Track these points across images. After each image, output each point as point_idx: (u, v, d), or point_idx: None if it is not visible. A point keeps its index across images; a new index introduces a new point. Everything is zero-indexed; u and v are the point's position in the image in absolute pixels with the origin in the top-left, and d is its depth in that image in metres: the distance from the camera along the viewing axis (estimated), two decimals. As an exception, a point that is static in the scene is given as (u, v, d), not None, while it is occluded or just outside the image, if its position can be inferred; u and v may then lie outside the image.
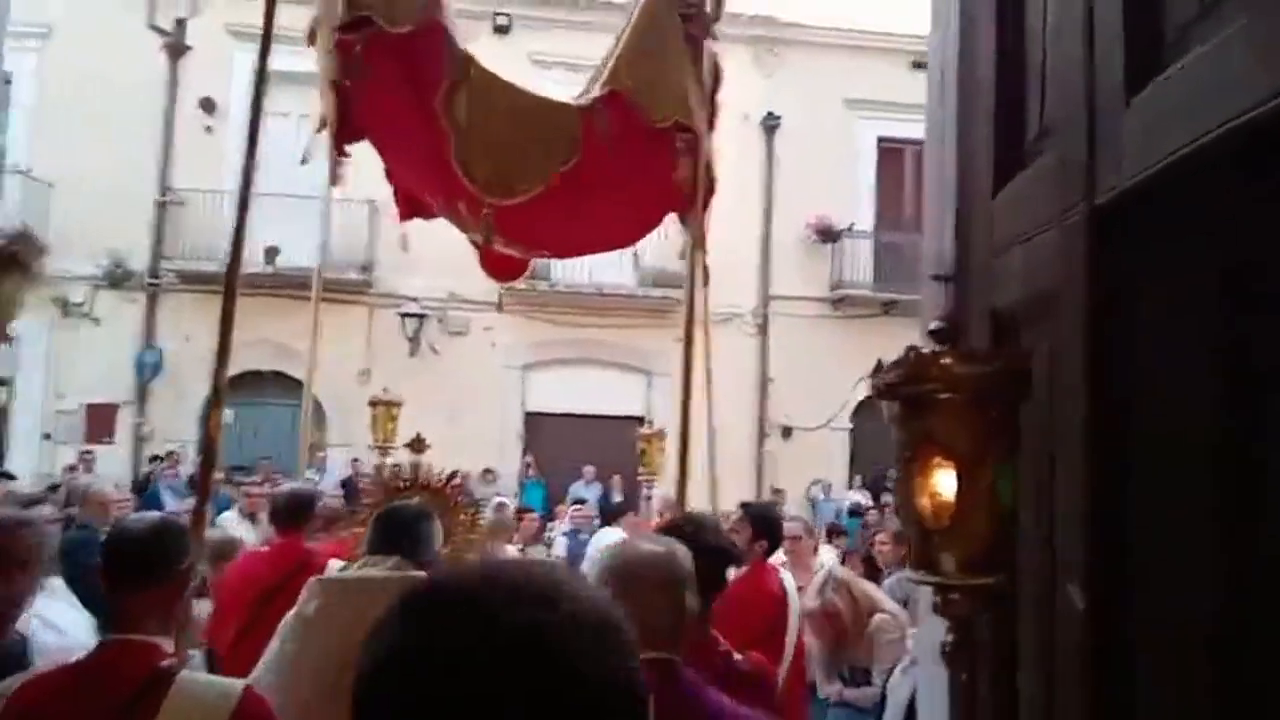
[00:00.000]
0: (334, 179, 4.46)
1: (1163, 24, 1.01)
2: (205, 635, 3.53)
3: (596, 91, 3.84)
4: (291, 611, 2.39)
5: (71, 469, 10.82)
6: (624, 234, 5.03)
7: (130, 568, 1.85)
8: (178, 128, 13.40)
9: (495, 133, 3.66)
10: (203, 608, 3.43)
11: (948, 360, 1.35)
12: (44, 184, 12.54)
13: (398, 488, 3.54)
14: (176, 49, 13.46)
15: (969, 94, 1.75)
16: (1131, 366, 1.08)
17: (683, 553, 1.73)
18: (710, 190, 4.20)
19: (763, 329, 14.19)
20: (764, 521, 3.84)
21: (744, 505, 4.21)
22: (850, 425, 13.85)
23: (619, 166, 3.89)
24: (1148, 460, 1.05)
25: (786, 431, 13.94)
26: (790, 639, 3.30)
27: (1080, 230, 1.13)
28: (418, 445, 3.73)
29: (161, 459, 12.04)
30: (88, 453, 11.94)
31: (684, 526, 2.25)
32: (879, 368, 1.44)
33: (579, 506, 10.54)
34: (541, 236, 4.69)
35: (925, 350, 1.39)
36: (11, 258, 1.70)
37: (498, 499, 10.87)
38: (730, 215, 12.82)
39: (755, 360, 14.06)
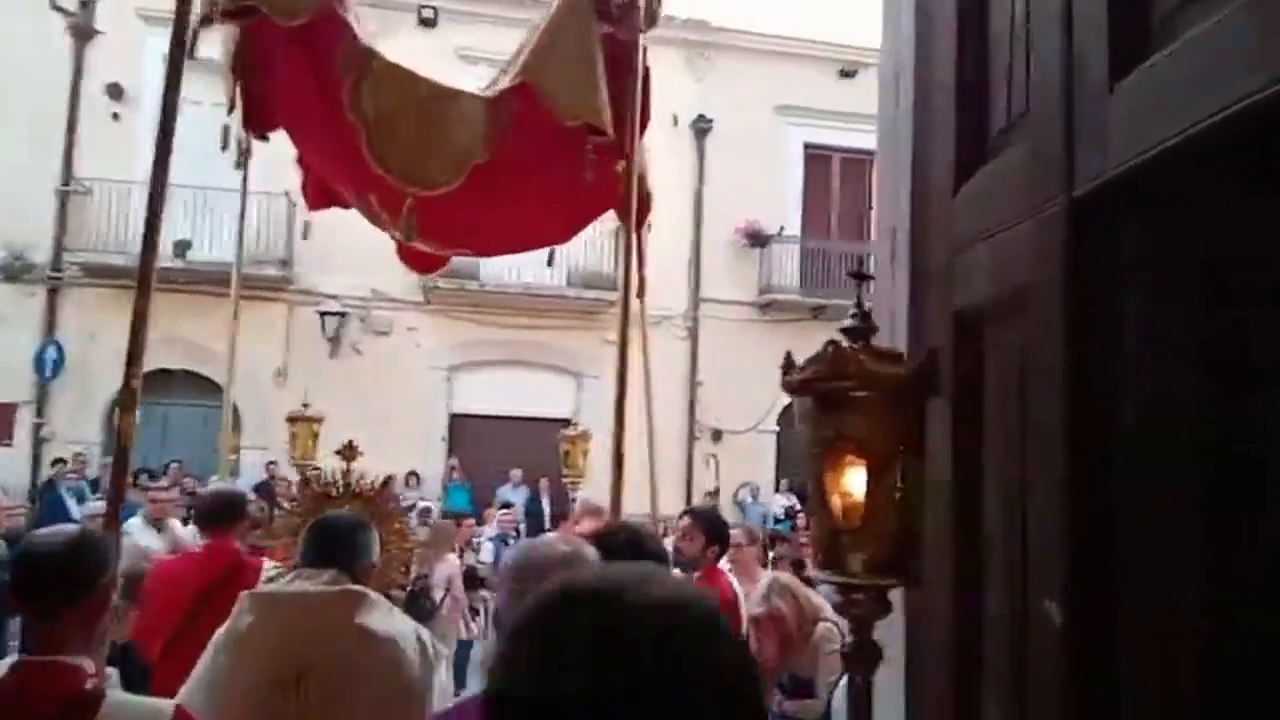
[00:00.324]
0: (240, 164, 4.26)
1: (1149, 7, 0.99)
2: (133, 636, 3.40)
3: (506, 83, 3.76)
4: (224, 626, 2.32)
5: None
6: (548, 233, 4.91)
7: (49, 588, 1.75)
8: (83, 114, 12.77)
9: (407, 125, 3.58)
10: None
11: (864, 358, 1.36)
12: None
13: (329, 496, 3.44)
14: (83, 32, 12.82)
15: (925, 93, 1.73)
16: (1111, 361, 1.05)
17: (590, 553, 1.71)
18: (645, 204, 4.14)
19: (693, 332, 14.25)
20: (714, 527, 3.85)
21: (691, 511, 4.20)
22: (777, 428, 14.00)
23: (531, 161, 3.82)
24: (1130, 456, 1.02)
25: (716, 435, 14.03)
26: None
27: (1059, 222, 1.11)
28: (349, 452, 3.62)
29: (64, 461, 11.40)
30: (-19, 455, 11.28)
31: (617, 534, 2.19)
32: (790, 364, 1.45)
33: (506, 511, 10.39)
34: (461, 233, 4.60)
35: (844, 346, 1.39)
36: None
37: (421, 504, 10.63)
38: (661, 217, 12.83)
39: (685, 363, 14.12)
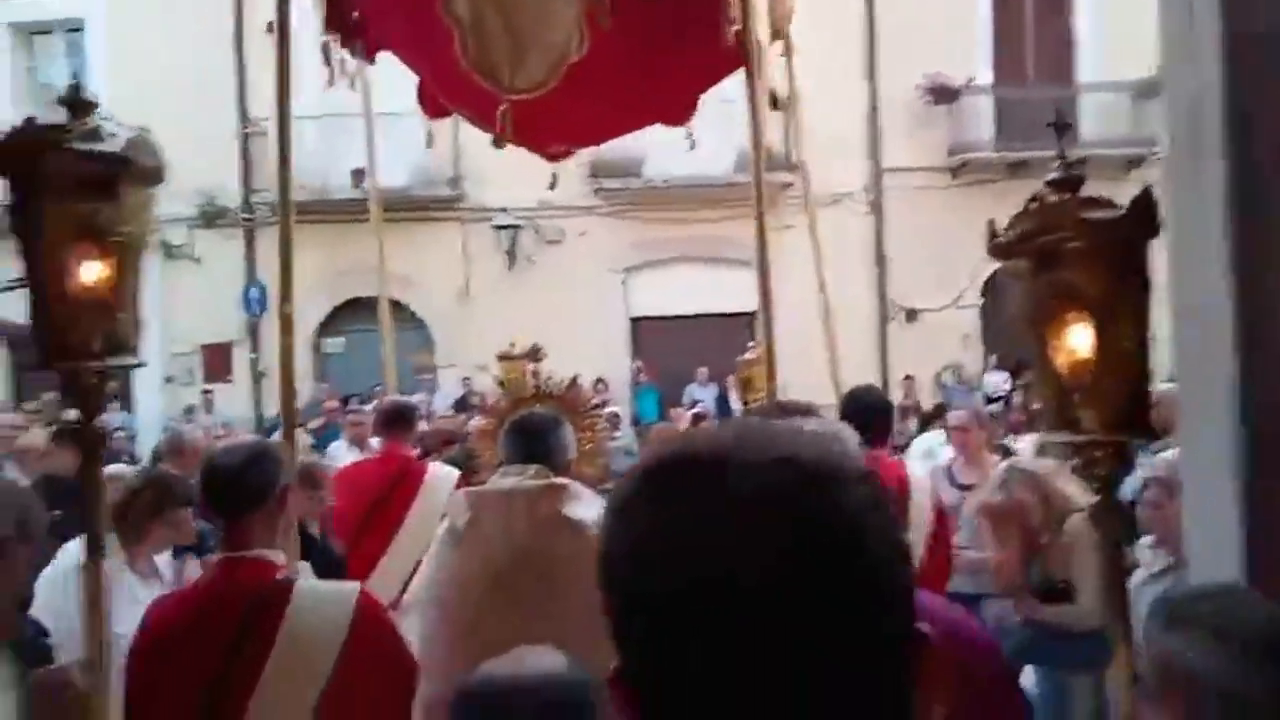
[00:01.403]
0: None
1: None
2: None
3: None
4: (443, 526, 2.57)
5: (190, 410, 11.25)
6: (660, 111, 4.65)
7: (230, 495, 1.98)
8: (249, 55, 13.35)
9: (500, 26, 3.54)
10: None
11: (1076, 207, 1.36)
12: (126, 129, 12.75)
13: (525, 397, 3.67)
14: (237, -28, 13.31)
15: None
16: None
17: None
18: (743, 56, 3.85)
19: (876, 206, 13.46)
20: (856, 407, 3.39)
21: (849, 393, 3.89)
22: (980, 301, 13.14)
23: (633, 43, 3.69)
24: None
25: (910, 314, 13.34)
26: (914, 540, 2.96)
27: None
28: (535, 354, 3.77)
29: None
30: (208, 392, 12.43)
31: (768, 412, 2.05)
32: (994, 231, 1.46)
33: (696, 408, 10.42)
34: (560, 130, 4.51)
35: (1051, 199, 1.38)
36: (127, 163, 1.68)
37: (609, 409, 10.81)
38: (831, 86, 12.12)
39: (870, 240, 13.41)
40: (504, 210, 13.05)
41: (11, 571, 1.55)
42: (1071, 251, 1.33)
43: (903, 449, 9.23)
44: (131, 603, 2.63)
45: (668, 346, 13.20)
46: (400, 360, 14.28)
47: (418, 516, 3.72)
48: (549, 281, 13.14)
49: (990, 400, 11.56)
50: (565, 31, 3.54)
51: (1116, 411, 1.32)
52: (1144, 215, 1.33)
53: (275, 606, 1.89)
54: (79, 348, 1.67)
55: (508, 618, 2.30)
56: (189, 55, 12.80)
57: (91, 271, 1.66)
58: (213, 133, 12.97)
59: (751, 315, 13.76)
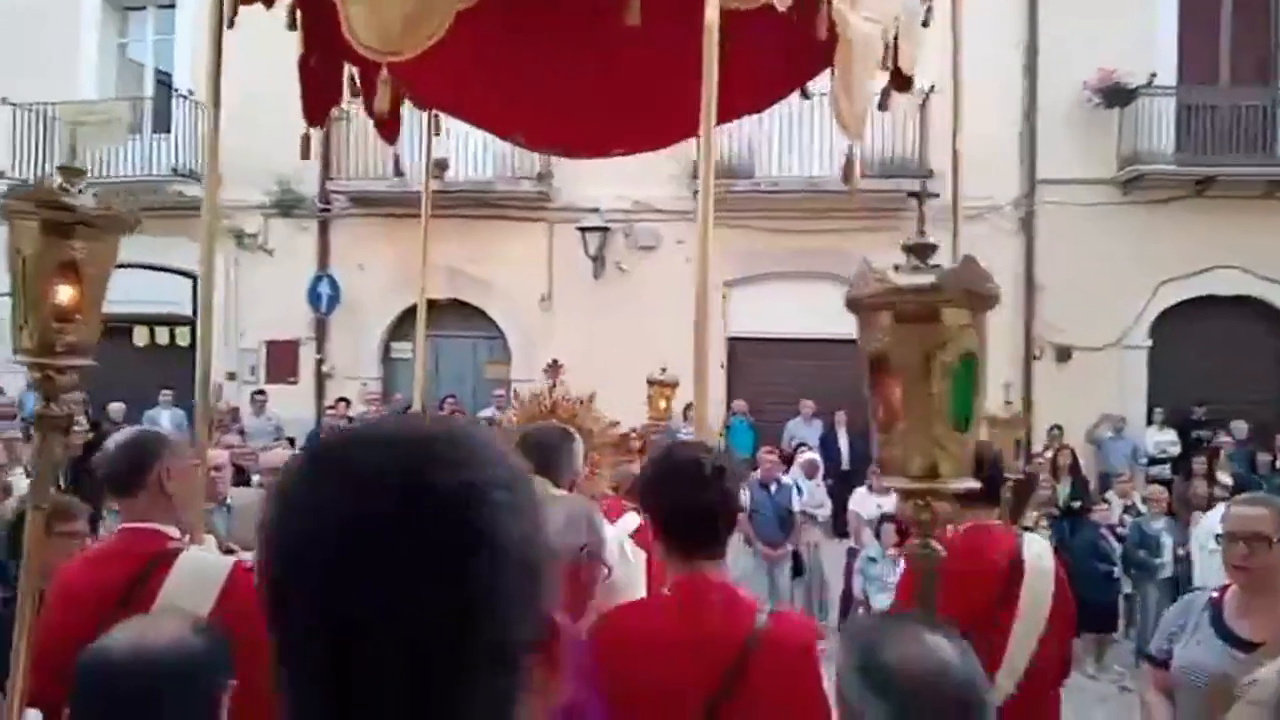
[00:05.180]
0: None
1: None
2: None
3: None
4: None
5: (232, 410, 11.40)
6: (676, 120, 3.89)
7: (110, 476, 2.55)
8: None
9: None
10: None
11: (894, 275, 1.84)
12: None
13: (540, 412, 4.08)
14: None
15: None
16: None
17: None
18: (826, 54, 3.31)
19: (1027, 223, 12.66)
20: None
21: None
22: (1149, 343, 12.18)
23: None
24: None
25: (1063, 353, 12.42)
26: (1027, 622, 3.03)
27: None
28: (553, 369, 4.30)
29: (346, 401, 12.43)
30: (259, 393, 12.64)
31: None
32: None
33: (804, 450, 9.97)
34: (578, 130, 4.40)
35: (872, 270, 1.87)
36: (101, 217, 2.33)
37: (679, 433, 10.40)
38: (982, 84, 11.40)
39: (1018, 263, 12.60)
40: (595, 211, 12.88)
41: None
42: (879, 315, 1.79)
43: (1063, 517, 8.40)
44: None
45: (769, 373, 12.71)
46: (475, 371, 14.31)
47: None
48: (639, 292, 12.84)
49: (1153, 462, 10.66)
50: None
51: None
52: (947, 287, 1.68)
53: (161, 569, 2.38)
54: (48, 350, 2.35)
55: None
56: (277, 39, 13.21)
57: (64, 294, 2.32)
58: (295, 119, 13.30)
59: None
